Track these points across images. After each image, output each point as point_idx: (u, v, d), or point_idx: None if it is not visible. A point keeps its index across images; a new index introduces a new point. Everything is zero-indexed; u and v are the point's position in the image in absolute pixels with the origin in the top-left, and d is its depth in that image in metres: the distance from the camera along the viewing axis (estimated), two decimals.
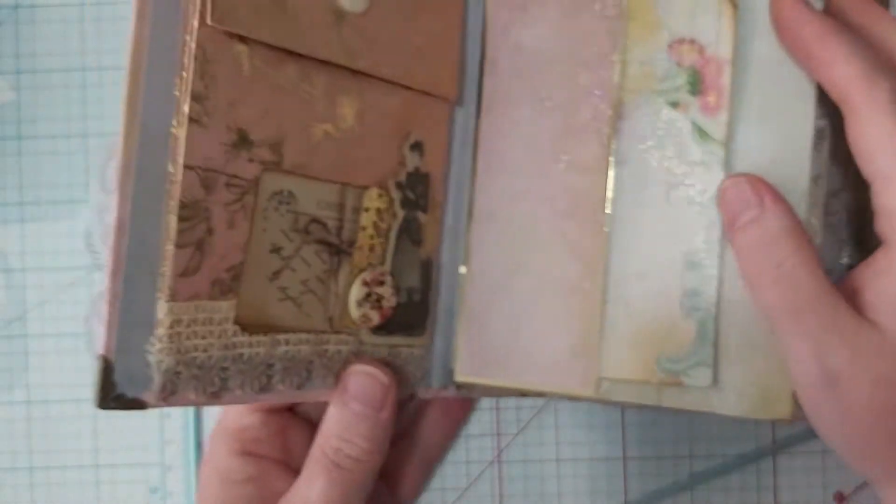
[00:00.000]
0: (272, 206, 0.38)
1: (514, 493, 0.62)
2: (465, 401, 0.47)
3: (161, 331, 0.34)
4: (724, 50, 0.39)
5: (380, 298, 0.41)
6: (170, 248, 0.34)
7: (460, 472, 0.62)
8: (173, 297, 0.34)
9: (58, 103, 0.62)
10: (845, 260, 0.41)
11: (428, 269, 0.44)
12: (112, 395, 0.33)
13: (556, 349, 0.42)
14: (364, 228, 0.41)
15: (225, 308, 0.36)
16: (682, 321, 0.39)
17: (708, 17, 0.39)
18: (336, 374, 0.41)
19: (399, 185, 0.42)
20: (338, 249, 0.40)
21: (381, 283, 0.41)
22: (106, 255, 0.33)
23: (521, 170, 0.43)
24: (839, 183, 0.41)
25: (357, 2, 0.39)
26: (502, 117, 0.44)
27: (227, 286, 0.36)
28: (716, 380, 0.39)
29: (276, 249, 0.38)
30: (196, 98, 0.34)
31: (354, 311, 0.41)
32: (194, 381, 0.36)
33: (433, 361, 0.44)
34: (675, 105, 0.40)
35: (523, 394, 0.44)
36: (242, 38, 0.36)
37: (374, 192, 0.41)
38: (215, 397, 0.36)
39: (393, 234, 0.42)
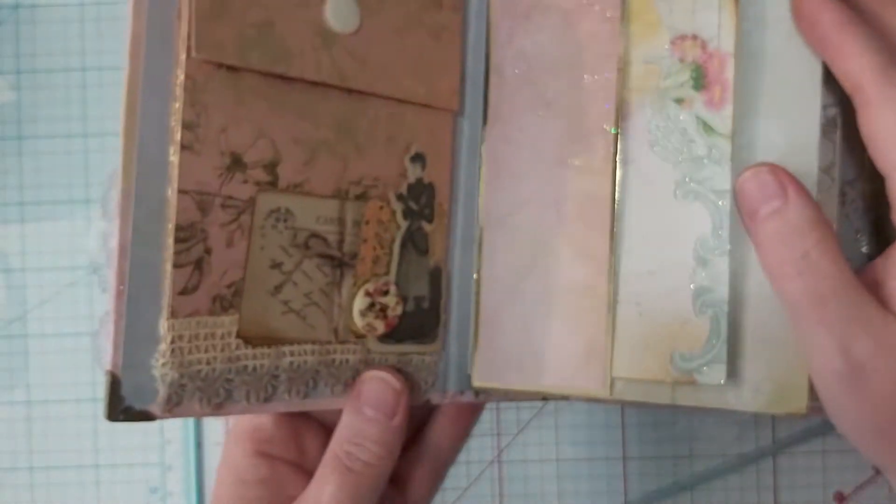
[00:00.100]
0: (269, 224, 0.39)
1: (514, 493, 0.62)
2: (474, 404, 0.47)
3: (163, 346, 0.36)
4: (727, 44, 0.39)
5: (384, 308, 0.42)
6: (168, 268, 0.36)
7: (460, 472, 0.62)
8: (173, 315, 0.36)
9: (58, 103, 0.62)
10: (864, 249, 0.41)
11: (437, 278, 0.44)
12: (120, 408, 0.36)
13: (569, 351, 0.42)
14: (366, 241, 0.42)
15: (227, 323, 0.38)
16: (695, 318, 0.39)
17: (709, 11, 0.39)
18: (344, 383, 0.42)
19: (400, 197, 0.43)
20: (340, 262, 0.41)
21: (385, 293, 0.42)
22: (110, 278, 0.35)
23: (528, 175, 0.44)
24: (854, 171, 0.41)
25: (347, 23, 0.40)
26: (508, 124, 0.44)
27: (228, 302, 0.38)
28: (731, 376, 0.39)
29: (276, 265, 0.39)
30: (187, 126, 0.36)
31: (359, 321, 0.42)
32: (199, 393, 0.38)
33: (448, 367, 0.45)
34: (679, 101, 0.40)
35: (544, 397, 0.44)
36: (231, 66, 0.37)
37: (374, 204, 0.42)
38: (220, 408, 0.38)
39: (397, 245, 0.43)
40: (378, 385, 0.42)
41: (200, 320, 0.37)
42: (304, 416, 0.46)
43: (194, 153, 0.36)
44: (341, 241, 0.41)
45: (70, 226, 0.62)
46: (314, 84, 0.39)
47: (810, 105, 0.39)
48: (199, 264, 0.37)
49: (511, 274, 0.44)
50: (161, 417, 0.37)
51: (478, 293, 0.45)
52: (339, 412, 0.42)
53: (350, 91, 0.41)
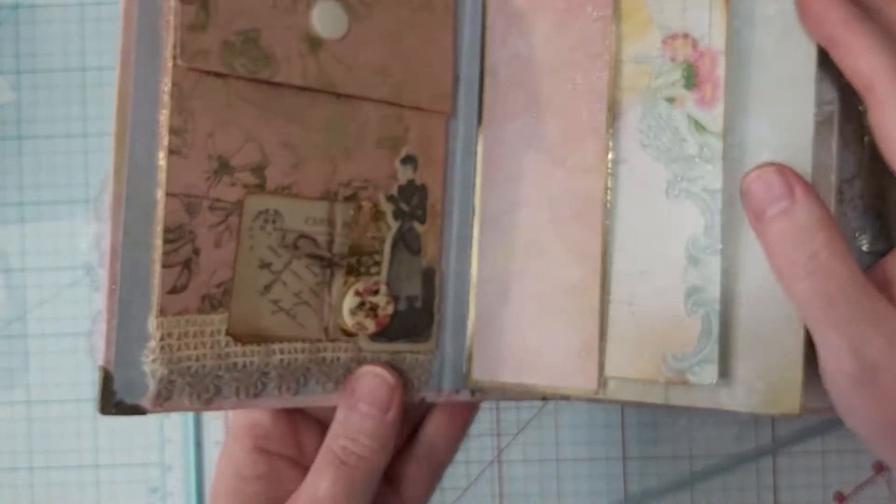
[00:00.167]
0: (258, 226, 0.40)
1: (514, 493, 0.62)
2: (469, 404, 0.48)
3: (153, 343, 0.38)
4: (718, 42, 0.39)
5: (375, 307, 0.43)
6: (157, 268, 0.38)
7: (460, 472, 0.62)
8: (162, 313, 0.38)
9: (58, 103, 0.62)
10: (865, 247, 0.41)
11: (430, 277, 0.44)
12: (113, 403, 0.37)
13: (563, 350, 0.42)
14: (355, 241, 0.42)
15: (216, 321, 0.39)
16: (687, 318, 0.39)
17: (699, 10, 0.39)
18: (336, 381, 0.42)
19: (391, 198, 0.43)
20: (330, 262, 0.42)
21: (375, 293, 0.43)
22: (103, 278, 0.37)
23: (522, 175, 0.44)
24: (852, 170, 0.40)
25: (334, 29, 0.41)
26: (503, 126, 0.44)
27: (217, 301, 0.39)
28: (723, 376, 0.39)
29: (265, 265, 0.40)
30: (175, 132, 0.37)
31: (349, 320, 0.42)
32: (188, 389, 0.39)
33: (444, 366, 0.45)
34: (671, 100, 0.40)
35: (544, 397, 0.44)
36: (218, 73, 0.38)
37: (363, 205, 0.42)
38: (209, 403, 0.39)
39: (388, 245, 0.43)
40: (372, 380, 0.42)
41: (190, 318, 0.38)
42: (302, 414, 0.47)
43: (182, 157, 0.38)
44: (331, 242, 0.42)
45: (70, 226, 0.62)
46: (302, 89, 0.40)
47: (804, 103, 0.38)
48: (187, 264, 0.38)
49: (506, 274, 0.44)
50: (152, 411, 0.38)
51: (473, 293, 0.45)
52: (336, 409, 0.43)
53: (339, 95, 0.41)
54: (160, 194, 0.37)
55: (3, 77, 0.62)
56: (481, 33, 0.45)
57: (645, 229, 0.40)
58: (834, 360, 0.36)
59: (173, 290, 0.38)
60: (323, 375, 0.42)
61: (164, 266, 0.37)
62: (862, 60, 0.37)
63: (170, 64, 0.37)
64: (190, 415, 0.62)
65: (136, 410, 0.38)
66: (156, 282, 0.38)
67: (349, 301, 0.42)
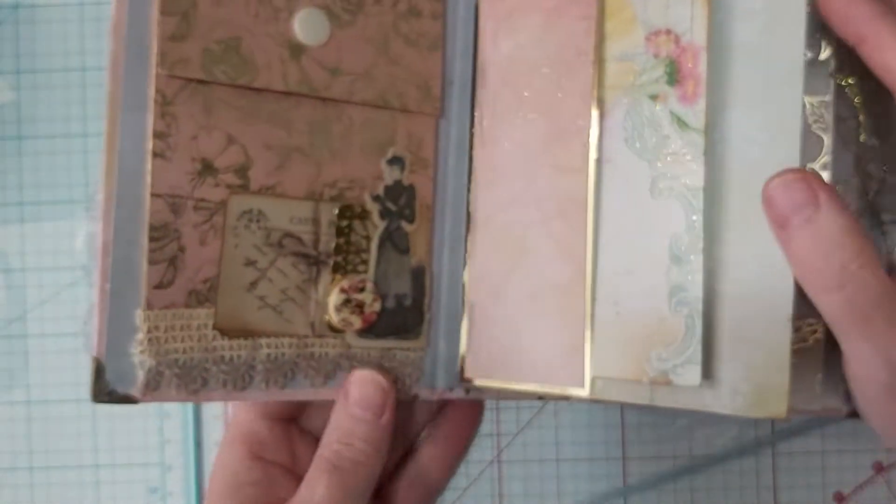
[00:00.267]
0: (242, 224, 0.41)
1: (514, 493, 0.62)
2: (466, 429, 0.48)
3: (141, 335, 0.40)
4: (699, 36, 0.39)
5: (361, 304, 0.43)
6: (144, 264, 0.40)
7: (460, 472, 0.61)
8: (149, 307, 0.40)
9: (58, 103, 0.63)
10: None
11: (420, 276, 0.45)
12: (105, 391, 0.39)
13: (551, 350, 0.42)
14: (341, 240, 0.43)
15: (203, 315, 0.41)
16: (671, 318, 0.39)
17: (682, 5, 0.39)
18: (325, 375, 0.43)
19: (377, 198, 0.44)
20: (316, 260, 0.43)
21: (361, 290, 0.43)
22: (95, 273, 0.39)
23: (511, 175, 0.44)
24: (848, 171, 0.40)
25: (316, 35, 0.42)
26: (494, 126, 0.44)
27: (203, 296, 0.41)
28: (708, 377, 0.39)
29: (250, 262, 0.42)
30: (158, 136, 0.39)
31: (334, 317, 0.43)
32: (176, 380, 0.40)
33: (437, 364, 0.46)
34: (654, 97, 0.40)
35: (540, 396, 0.44)
36: (201, 80, 0.40)
37: (349, 205, 0.43)
38: (196, 394, 0.41)
39: (374, 244, 0.44)
40: (366, 385, 0.43)
41: (176, 312, 0.40)
42: (297, 425, 0.48)
43: (166, 160, 0.40)
44: (317, 241, 0.43)
45: (70, 226, 0.62)
46: (285, 93, 0.42)
47: (790, 97, 0.38)
48: (173, 261, 0.40)
49: (496, 273, 0.44)
50: (142, 401, 0.40)
51: (465, 292, 0.45)
52: (327, 420, 0.43)
53: (323, 99, 0.43)
54: (146, 195, 0.39)
55: (3, 77, 0.62)
56: (474, 36, 0.45)
57: (630, 228, 0.40)
58: (866, 371, 0.36)
59: (160, 286, 0.40)
60: (311, 370, 0.43)
61: (150, 263, 0.39)
62: (889, 55, 0.36)
63: (154, 71, 0.39)
64: (190, 415, 0.62)
65: (127, 399, 0.40)
66: (143, 277, 0.39)
67: (335, 298, 0.43)
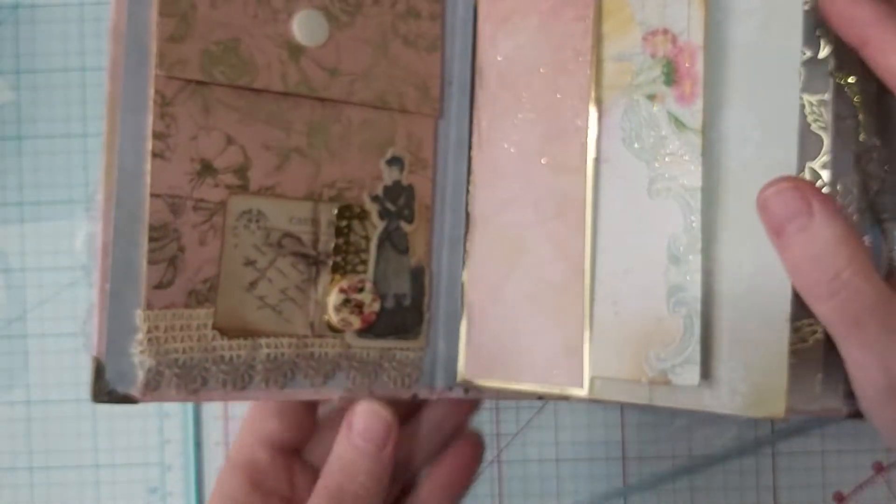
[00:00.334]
0: (241, 225, 0.42)
1: (514, 493, 0.62)
2: (468, 466, 0.48)
3: (140, 335, 0.40)
4: (696, 36, 0.39)
5: (360, 304, 0.43)
6: (144, 264, 0.40)
7: None
8: (149, 307, 0.40)
9: (58, 103, 0.63)
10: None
11: (419, 276, 0.45)
12: (105, 391, 0.39)
13: (550, 350, 0.42)
14: (340, 240, 0.43)
15: (203, 315, 0.41)
16: (669, 317, 0.39)
17: (679, 4, 0.39)
18: (325, 375, 0.43)
19: (375, 198, 0.44)
20: (315, 260, 0.43)
21: (360, 290, 0.43)
22: (95, 273, 0.39)
23: (511, 175, 0.44)
24: (848, 170, 0.40)
25: (314, 36, 0.42)
26: (492, 127, 0.45)
27: (203, 296, 0.41)
28: (707, 377, 0.39)
29: (249, 262, 0.42)
30: (157, 136, 0.40)
31: (334, 317, 0.43)
32: (176, 380, 0.40)
33: (436, 364, 0.46)
34: (651, 98, 0.40)
35: (540, 396, 0.44)
36: (200, 81, 0.40)
37: (348, 205, 0.43)
38: (196, 394, 0.41)
39: (373, 244, 0.44)
40: (370, 416, 0.43)
41: (176, 312, 0.40)
42: (298, 457, 0.48)
43: (165, 160, 0.40)
44: (316, 241, 0.43)
45: (70, 226, 0.62)
46: (284, 94, 0.42)
47: (787, 97, 0.38)
48: (172, 261, 0.40)
49: (495, 273, 0.44)
50: (142, 401, 0.40)
51: (464, 292, 0.45)
52: (329, 451, 0.44)
53: (322, 99, 0.43)
54: (145, 195, 0.40)
55: (3, 77, 0.62)
56: (473, 37, 0.46)
57: (628, 228, 0.40)
58: (864, 375, 0.36)
59: (159, 286, 0.40)
60: (311, 370, 0.43)
61: (150, 263, 0.40)
62: (893, 57, 0.36)
63: (153, 72, 0.39)
64: (190, 415, 0.62)
65: (127, 399, 0.40)
66: (143, 277, 0.40)
67: (334, 298, 0.43)
